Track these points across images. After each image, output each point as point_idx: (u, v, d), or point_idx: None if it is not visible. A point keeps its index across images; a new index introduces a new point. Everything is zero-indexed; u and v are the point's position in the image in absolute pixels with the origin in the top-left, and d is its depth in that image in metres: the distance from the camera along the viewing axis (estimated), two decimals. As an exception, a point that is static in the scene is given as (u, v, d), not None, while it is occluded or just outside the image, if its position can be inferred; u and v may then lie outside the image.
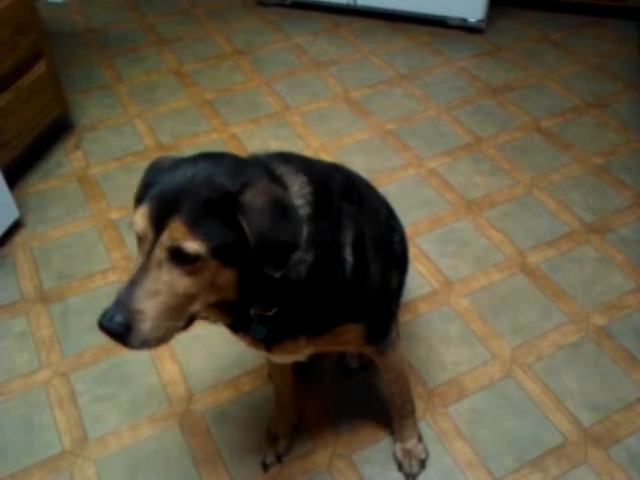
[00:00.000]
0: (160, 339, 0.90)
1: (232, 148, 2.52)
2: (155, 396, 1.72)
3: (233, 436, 1.62)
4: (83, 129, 2.66)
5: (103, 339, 1.85)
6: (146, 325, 0.87)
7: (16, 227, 2.20)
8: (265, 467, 1.55)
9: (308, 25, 3.34)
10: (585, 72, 2.94)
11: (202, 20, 3.42)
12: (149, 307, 0.87)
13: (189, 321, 0.95)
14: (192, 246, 0.86)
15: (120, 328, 0.86)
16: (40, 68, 2.34)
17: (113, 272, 2.05)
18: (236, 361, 1.79)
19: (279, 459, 1.57)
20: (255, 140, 2.57)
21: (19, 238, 2.18)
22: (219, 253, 0.88)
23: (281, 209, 0.91)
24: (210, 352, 1.82)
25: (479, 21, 3.17)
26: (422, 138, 2.57)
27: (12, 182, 2.33)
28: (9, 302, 1.97)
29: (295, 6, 3.47)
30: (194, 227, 0.86)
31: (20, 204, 2.26)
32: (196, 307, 0.93)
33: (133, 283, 0.87)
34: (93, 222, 2.23)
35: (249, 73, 2.99)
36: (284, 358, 1.27)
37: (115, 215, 2.25)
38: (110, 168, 2.46)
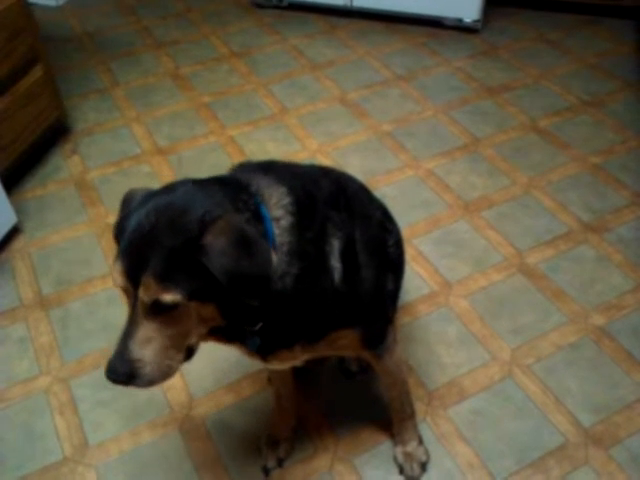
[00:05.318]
0: (164, 375, 0.97)
1: (230, 151, 2.52)
2: (155, 401, 1.71)
3: (234, 441, 1.62)
4: (80, 133, 2.66)
5: (103, 344, 1.85)
6: (147, 369, 0.94)
7: (14, 233, 2.19)
8: (266, 472, 1.55)
9: (304, 27, 3.34)
10: (582, 71, 2.94)
11: (198, 23, 3.42)
12: (146, 354, 0.94)
13: (189, 353, 1.01)
14: (167, 297, 0.90)
15: (126, 378, 0.94)
16: (36, 73, 2.34)
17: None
18: (236, 365, 1.79)
19: (280, 463, 1.56)
20: (253, 143, 2.57)
21: (17, 244, 2.17)
22: (196, 295, 0.92)
23: (244, 244, 0.91)
24: (209, 357, 1.81)
25: (475, 21, 3.17)
26: (419, 139, 2.57)
27: (9, 187, 2.33)
28: (8, 308, 1.97)
29: (291, 8, 3.47)
30: (165, 280, 0.89)
31: (18, 209, 2.26)
32: (191, 340, 0.99)
33: (127, 335, 0.94)
34: (91, 227, 2.23)
35: (246, 75, 2.99)
36: (281, 366, 1.27)
37: (113, 219, 2.24)
38: (107, 172, 2.46)
